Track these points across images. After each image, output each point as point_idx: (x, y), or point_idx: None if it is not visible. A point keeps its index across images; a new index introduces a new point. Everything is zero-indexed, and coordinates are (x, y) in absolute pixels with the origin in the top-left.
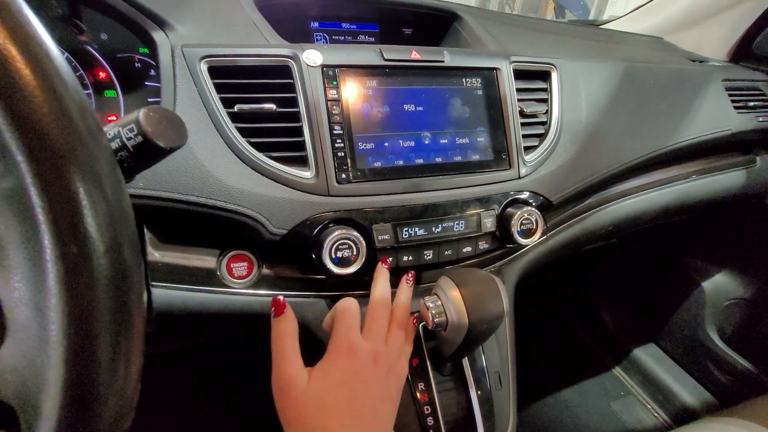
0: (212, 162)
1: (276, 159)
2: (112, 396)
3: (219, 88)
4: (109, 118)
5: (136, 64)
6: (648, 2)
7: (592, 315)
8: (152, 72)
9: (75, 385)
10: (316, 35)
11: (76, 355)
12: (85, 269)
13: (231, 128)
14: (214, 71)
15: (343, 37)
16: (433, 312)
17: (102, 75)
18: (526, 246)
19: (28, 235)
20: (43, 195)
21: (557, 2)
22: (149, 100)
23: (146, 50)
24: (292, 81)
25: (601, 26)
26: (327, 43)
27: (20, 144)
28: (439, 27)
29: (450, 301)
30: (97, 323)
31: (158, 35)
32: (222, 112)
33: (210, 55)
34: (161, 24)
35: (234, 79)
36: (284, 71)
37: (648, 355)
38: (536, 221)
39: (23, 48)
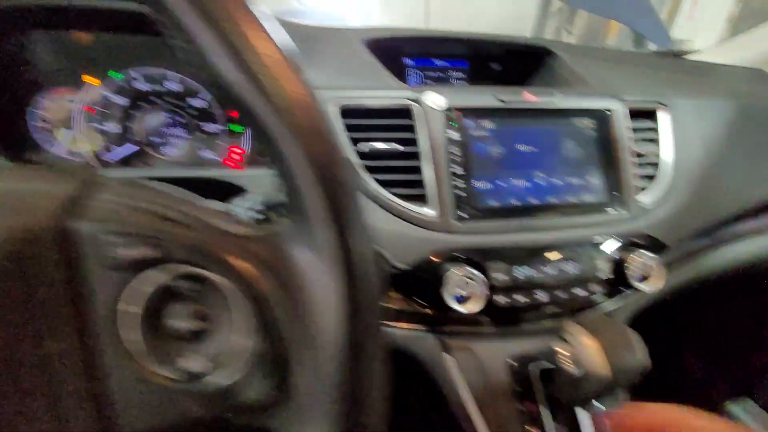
0: None
1: (397, 196)
2: None
3: (348, 128)
4: (233, 150)
5: None
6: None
7: (679, 360)
8: None
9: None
10: (409, 71)
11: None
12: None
13: (359, 166)
14: (344, 112)
15: (435, 74)
16: (568, 360)
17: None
18: (645, 291)
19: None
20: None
21: (635, 30)
22: None
23: None
24: (412, 122)
25: (687, 56)
26: (422, 79)
27: None
28: (529, 63)
29: (586, 350)
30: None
31: None
32: (351, 151)
33: (342, 97)
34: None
35: (360, 119)
36: (406, 112)
37: (741, 410)
38: (654, 266)
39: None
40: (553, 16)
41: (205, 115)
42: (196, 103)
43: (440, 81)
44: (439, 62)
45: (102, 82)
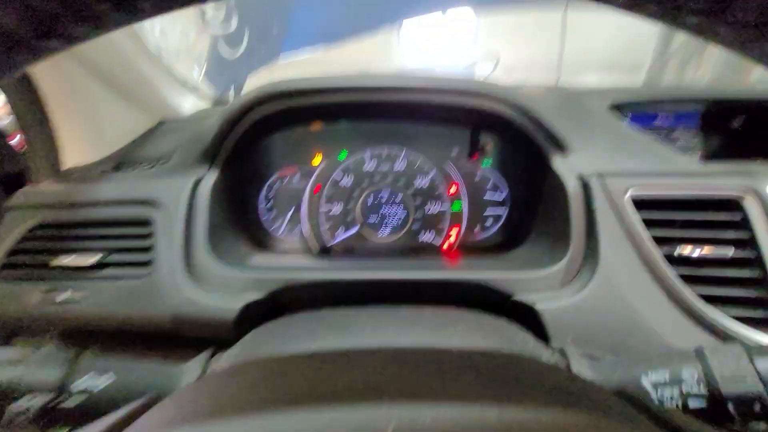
0: (656, 318)
1: (735, 318)
2: None
3: (648, 224)
4: (452, 231)
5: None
6: None
7: None
8: (501, 191)
9: None
10: None
11: None
12: None
13: (670, 273)
14: (639, 204)
15: (656, 132)
16: None
17: (453, 189)
18: None
19: None
20: None
21: None
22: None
23: (488, 162)
24: (744, 217)
25: None
26: None
27: None
28: None
29: None
30: None
31: (556, 159)
32: (657, 254)
33: (635, 185)
34: (561, 148)
35: (663, 212)
36: (732, 205)
37: None
38: None
39: None
40: (678, 47)
41: (427, 194)
42: (420, 182)
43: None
44: (662, 120)
45: (331, 164)
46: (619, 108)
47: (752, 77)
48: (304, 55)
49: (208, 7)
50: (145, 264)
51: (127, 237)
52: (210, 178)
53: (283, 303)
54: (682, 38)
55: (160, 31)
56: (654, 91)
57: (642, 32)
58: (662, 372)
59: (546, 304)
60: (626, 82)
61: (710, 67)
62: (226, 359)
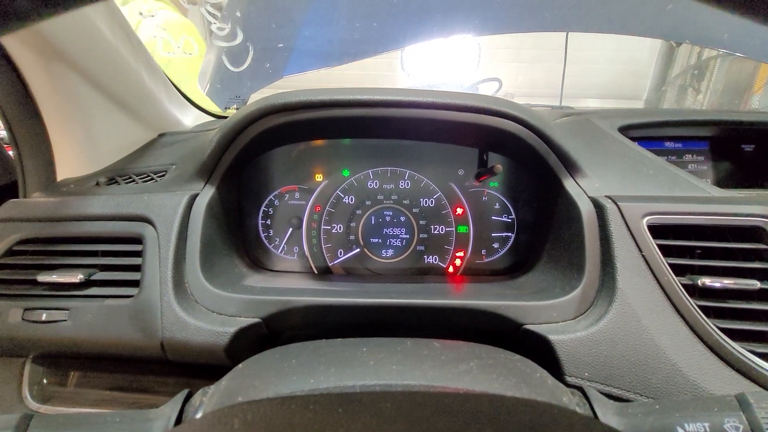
0: (678, 354)
1: (760, 355)
2: None
3: (665, 252)
4: (457, 254)
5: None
6: None
7: None
8: (509, 214)
9: None
10: None
11: None
12: None
13: (692, 306)
14: (656, 230)
15: (665, 157)
16: None
17: (459, 211)
18: None
19: None
20: None
21: None
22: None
23: (495, 184)
24: (767, 248)
25: None
26: None
27: None
28: None
29: None
30: None
31: (569, 182)
32: (677, 284)
33: (653, 212)
34: (574, 171)
35: (682, 241)
36: (755, 234)
37: None
38: None
39: None
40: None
41: (432, 216)
42: (425, 203)
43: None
44: (671, 144)
45: (333, 182)
46: (628, 130)
47: (751, 104)
48: (309, 74)
49: (214, 20)
50: (133, 283)
51: (116, 254)
52: (206, 194)
53: (279, 327)
54: (680, 65)
55: (163, 42)
56: (663, 113)
57: (640, 59)
58: (701, 422)
59: (560, 335)
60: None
61: (708, 95)
62: (208, 401)
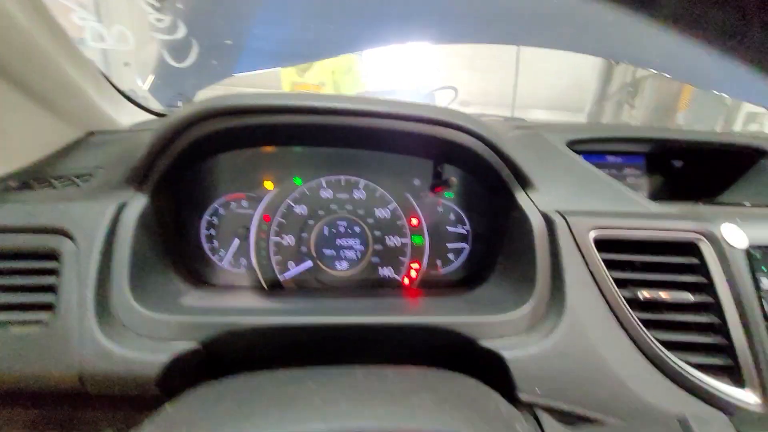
0: (623, 368)
1: (697, 366)
2: None
3: (609, 265)
4: (412, 266)
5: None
6: None
7: None
8: (463, 225)
9: None
10: None
11: None
12: None
13: (633, 318)
14: (601, 244)
15: (606, 170)
16: None
17: (414, 222)
18: None
19: None
20: None
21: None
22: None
23: (450, 195)
24: (699, 263)
25: None
26: None
27: None
28: (728, 162)
29: None
30: None
31: (521, 196)
32: (619, 297)
33: (599, 227)
34: (525, 184)
35: (623, 254)
36: (688, 248)
37: None
38: None
39: None
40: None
41: (387, 227)
42: (380, 214)
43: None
44: (612, 158)
45: (283, 190)
46: (575, 144)
47: (677, 121)
48: (261, 73)
49: (152, 9)
50: (45, 307)
51: (25, 272)
52: (138, 202)
53: (222, 352)
54: (618, 82)
55: (93, 30)
56: (606, 130)
57: (584, 75)
58: None
59: (513, 352)
60: (570, 120)
61: (642, 110)
62: None
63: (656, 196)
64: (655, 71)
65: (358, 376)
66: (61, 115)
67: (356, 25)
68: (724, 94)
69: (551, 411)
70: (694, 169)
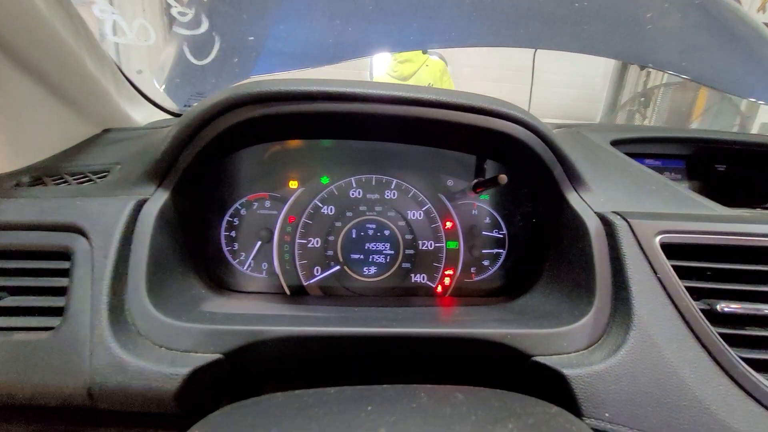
0: (703, 388)
1: None
2: None
3: (680, 273)
4: (446, 273)
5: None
6: None
7: None
8: (500, 229)
9: None
10: None
11: None
12: None
13: (713, 333)
14: (669, 250)
15: None
16: None
17: (449, 225)
18: None
19: None
20: None
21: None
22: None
23: (485, 197)
24: None
25: None
26: None
27: None
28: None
29: None
30: None
31: (572, 196)
32: (695, 309)
33: (666, 231)
34: (578, 184)
35: (696, 261)
36: (765, 254)
37: None
38: None
39: None
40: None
41: (420, 230)
42: (413, 215)
43: None
44: (650, 162)
45: (309, 190)
46: (619, 145)
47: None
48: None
49: (175, 2)
50: (54, 311)
51: (34, 273)
52: (158, 199)
53: (245, 364)
54: (629, 92)
55: (114, 26)
56: (648, 130)
57: (594, 85)
58: None
59: (575, 370)
60: None
61: (654, 120)
62: None
63: None
64: (669, 79)
65: (422, 397)
66: (80, 110)
67: (377, 28)
68: (742, 102)
69: None
70: (738, 173)
